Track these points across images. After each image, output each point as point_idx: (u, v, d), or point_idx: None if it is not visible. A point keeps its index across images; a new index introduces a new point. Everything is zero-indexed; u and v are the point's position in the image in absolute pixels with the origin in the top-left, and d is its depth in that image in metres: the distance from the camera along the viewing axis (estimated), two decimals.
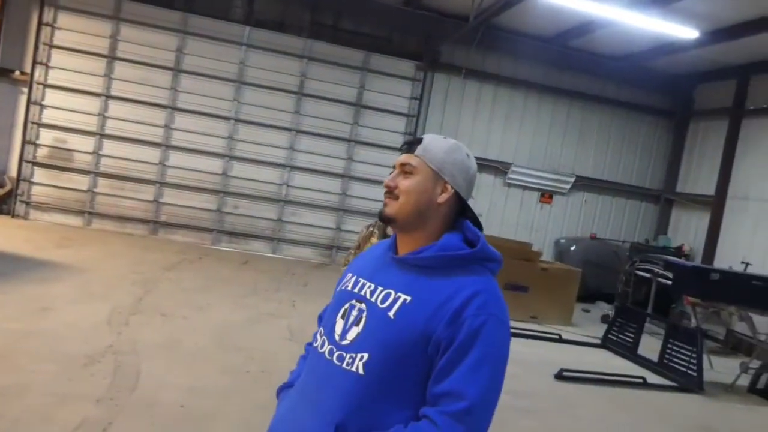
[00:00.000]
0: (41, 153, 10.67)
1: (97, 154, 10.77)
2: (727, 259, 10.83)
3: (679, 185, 13.05)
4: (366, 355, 1.52)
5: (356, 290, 1.67)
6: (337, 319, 1.65)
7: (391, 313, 1.53)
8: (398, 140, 11.85)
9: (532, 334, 8.31)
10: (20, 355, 4.78)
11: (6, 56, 10.57)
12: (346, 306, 1.65)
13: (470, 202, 1.71)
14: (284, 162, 11.44)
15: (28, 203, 10.63)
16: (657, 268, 9.70)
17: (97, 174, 10.80)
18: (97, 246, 9.38)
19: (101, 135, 10.77)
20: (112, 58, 10.75)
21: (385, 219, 1.65)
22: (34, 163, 10.63)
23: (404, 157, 1.66)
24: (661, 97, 13.12)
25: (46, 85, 10.57)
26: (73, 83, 10.62)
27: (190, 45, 11.00)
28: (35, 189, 10.66)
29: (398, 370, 1.49)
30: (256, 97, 11.29)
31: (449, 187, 1.63)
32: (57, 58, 10.61)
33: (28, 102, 10.51)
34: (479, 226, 1.68)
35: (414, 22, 11.55)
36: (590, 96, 12.74)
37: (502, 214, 12.49)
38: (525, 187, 12.69)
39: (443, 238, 1.61)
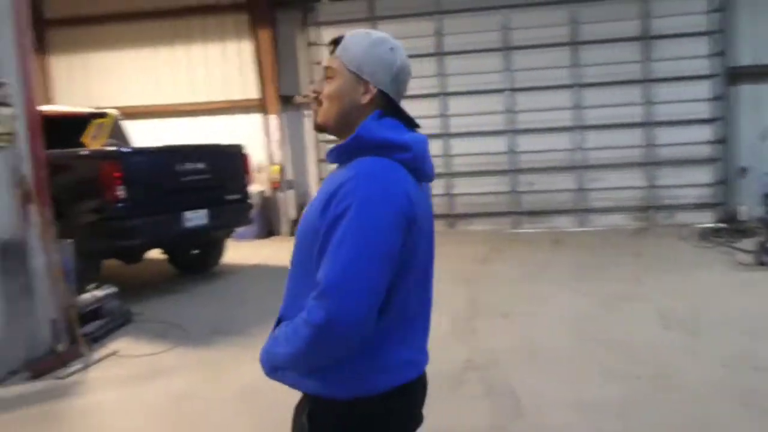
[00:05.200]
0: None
1: None
2: None
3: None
4: (293, 251, 1.62)
5: None
6: None
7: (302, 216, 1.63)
8: (703, 66, 9.82)
9: None
10: None
11: (285, 84, 11.03)
12: None
13: None
14: (572, 124, 10.18)
15: None
16: None
17: None
18: None
19: None
20: None
21: (316, 128, 1.66)
22: None
23: (326, 60, 1.62)
24: None
25: None
26: None
27: (448, 24, 10.41)
28: None
29: (304, 263, 1.53)
30: (527, 60, 10.21)
31: (371, 86, 1.56)
32: None
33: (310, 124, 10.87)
34: (414, 125, 1.63)
35: None
36: None
37: None
38: None
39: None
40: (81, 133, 7.31)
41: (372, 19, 10.59)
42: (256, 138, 10.61)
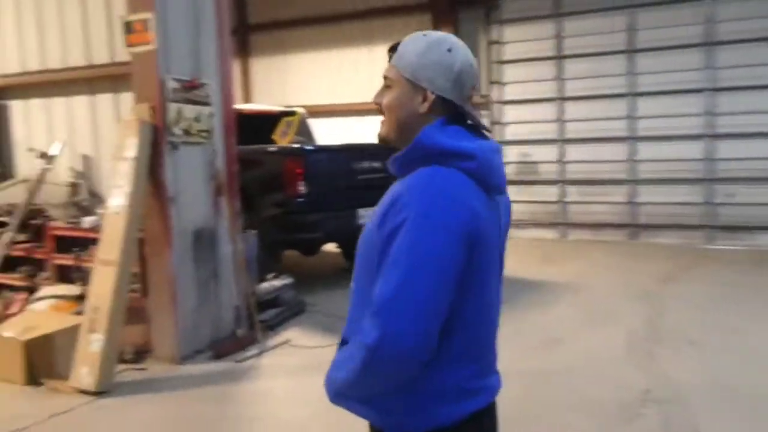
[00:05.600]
0: (509, 170, 10.68)
1: (561, 161, 10.26)
2: None
3: None
4: (354, 271, 1.54)
5: None
6: None
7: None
8: None
9: None
10: (544, 403, 4.13)
11: None
12: None
13: None
14: None
15: None
16: None
17: (565, 182, 10.26)
18: (579, 259, 8.68)
19: (563, 141, 10.24)
20: (560, 57, 10.18)
21: (381, 141, 1.58)
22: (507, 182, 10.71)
23: (386, 68, 1.53)
24: None
25: (503, 102, 10.64)
26: (528, 94, 10.40)
27: (642, 18, 9.64)
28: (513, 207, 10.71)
29: (365, 280, 1.44)
30: (733, 57, 9.11)
31: (429, 93, 1.47)
32: (509, 72, 10.58)
33: (491, 123, 10.66)
34: (483, 132, 1.54)
35: None
36: None
37: None
38: None
39: None
40: (273, 130, 7.83)
41: (557, 15, 10.15)
42: None
